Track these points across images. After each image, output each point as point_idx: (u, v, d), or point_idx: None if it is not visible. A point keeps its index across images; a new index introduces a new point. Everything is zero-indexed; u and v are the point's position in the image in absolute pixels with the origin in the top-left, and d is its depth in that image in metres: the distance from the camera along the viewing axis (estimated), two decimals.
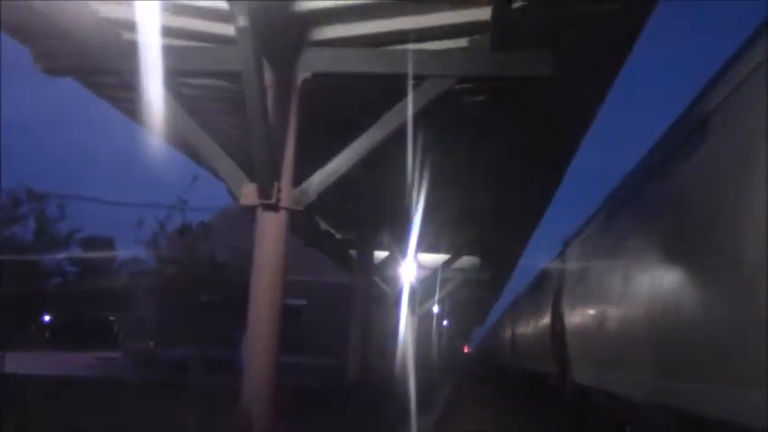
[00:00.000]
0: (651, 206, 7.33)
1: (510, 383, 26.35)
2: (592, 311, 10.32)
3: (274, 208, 5.72)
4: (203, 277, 22.88)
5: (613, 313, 8.59)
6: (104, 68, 6.57)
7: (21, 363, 23.45)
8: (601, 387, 9.65)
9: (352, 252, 14.01)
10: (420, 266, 16.79)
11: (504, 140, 8.86)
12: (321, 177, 5.97)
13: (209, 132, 6.44)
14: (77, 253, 29.99)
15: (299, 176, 5.99)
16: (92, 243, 39.17)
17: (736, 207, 4.77)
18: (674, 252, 6.19)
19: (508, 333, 27.41)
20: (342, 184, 7.04)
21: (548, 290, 15.69)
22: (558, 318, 13.56)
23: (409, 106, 5.96)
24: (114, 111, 8.57)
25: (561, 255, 14.58)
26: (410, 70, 5.98)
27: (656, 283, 6.67)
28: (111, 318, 49.56)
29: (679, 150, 6.26)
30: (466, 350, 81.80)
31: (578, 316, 11.52)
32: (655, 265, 6.80)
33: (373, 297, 15.25)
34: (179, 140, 8.52)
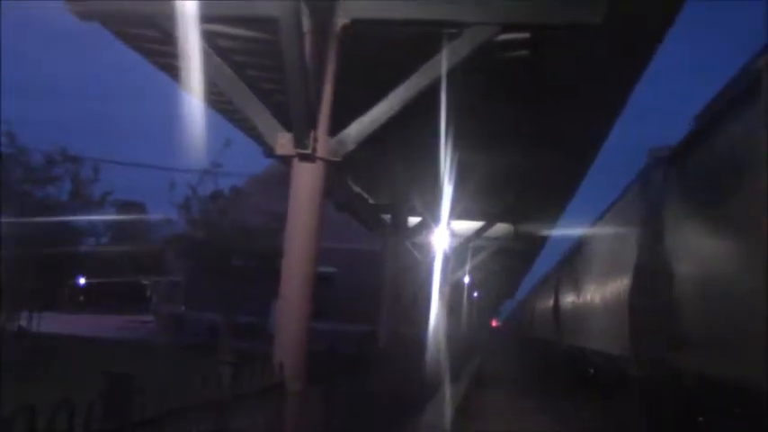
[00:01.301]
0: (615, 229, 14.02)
1: (528, 350, 39.75)
2: (571, 298, 18.75)
3: (311, 158, 5.54)
4: (234, 241, 22.96)
5: (577, 300, 17.01)
6: (136, 14, 6.40)
7: (56, 324, 23.87)
8: (575, 344, 17.42)
9: (385, 217, 13.81)
10: (453, 234, 16.59)
11: (545, 98, 8.59)
12: (359, 128, 5.77)
13: (246, 84, 6.28)
14: (112, 215, 30.32)
15: (336, 127, 5.81)
16: (125, 207, 39.59)
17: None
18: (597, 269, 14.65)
19: (529, 313, 40.77)
20: (376, 145, 6.84)
21: (553, 281, 25.42)
22: (557, 302, 22.78)
23: (446, 58, 5.73)
24: (149, 75, 8.45)
25: (563, 258, 23.52)
26: (452, 18, 5.76)
27: (589, 284, 14.58)
28: (144, 282, 50.21)
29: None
30: (494, 324, 79.24)
31: (566, 301, 20.47)
32: (593, 275, 14.88)
33: (405, 264, 15.10)
34: (213, 95, 8.37)
